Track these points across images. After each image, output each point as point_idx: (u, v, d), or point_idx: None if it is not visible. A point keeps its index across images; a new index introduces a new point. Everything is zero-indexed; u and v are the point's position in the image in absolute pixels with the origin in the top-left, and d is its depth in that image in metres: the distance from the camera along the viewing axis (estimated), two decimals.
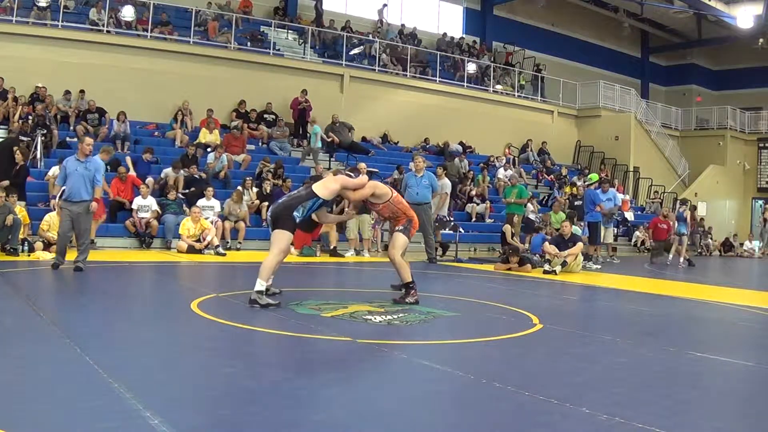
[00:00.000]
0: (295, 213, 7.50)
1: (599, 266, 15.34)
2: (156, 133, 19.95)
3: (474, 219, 20.80)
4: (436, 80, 26.50)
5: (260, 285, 7.28)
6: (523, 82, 29.95)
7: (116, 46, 20.08)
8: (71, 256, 10.64)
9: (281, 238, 7.48)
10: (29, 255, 12.24)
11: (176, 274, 11.32)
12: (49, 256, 12.09)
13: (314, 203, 7.67)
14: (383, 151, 23.43)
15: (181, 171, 16.77)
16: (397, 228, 8.36)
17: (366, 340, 5.91)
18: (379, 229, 16.53)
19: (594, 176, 17.58)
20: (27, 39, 18.75)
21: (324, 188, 7.73)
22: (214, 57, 21.64)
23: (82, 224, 10.60)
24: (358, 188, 8.07)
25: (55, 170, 15.50)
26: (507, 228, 17.42)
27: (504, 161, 24.94)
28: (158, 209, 15.26)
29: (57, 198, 11.12)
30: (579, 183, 22.63)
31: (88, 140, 10.86)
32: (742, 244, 26.95)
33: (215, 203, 15.77)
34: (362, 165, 16.99)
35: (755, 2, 30.00)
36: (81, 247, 10.55)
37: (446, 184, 17.32)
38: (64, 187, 10.52)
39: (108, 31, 20.26)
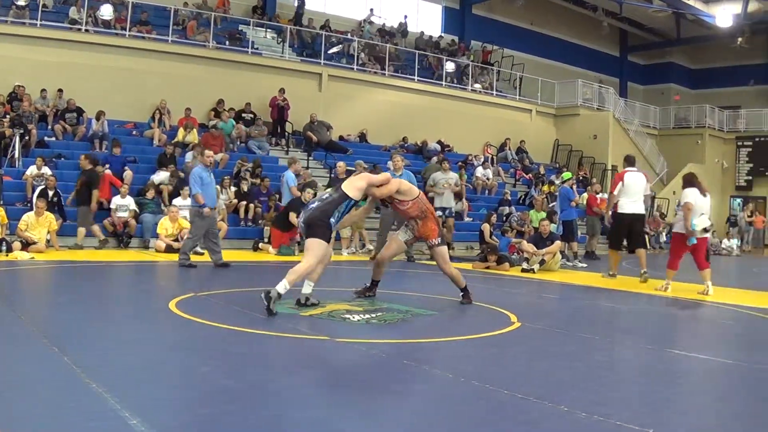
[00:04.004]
0: (331, 219, 7.36)
1: (585, 265, 15.43)
2: (134, 132, 19.80)
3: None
4: (414, 79, 26.49)
5: (283, 287, 6.82)
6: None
7: (95, 44, 19.91)
8: (174, 256, 11.90)
9: (318, 246, 7.22)
10: (7, 255, 12.12)
11: (154, 273, 11.26)
12: (27, 256, 11.99)
13: (347, 205, 7.54)
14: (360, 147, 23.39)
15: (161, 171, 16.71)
16: (432, 243, 8.23)
17: (344, 339, 5.92)
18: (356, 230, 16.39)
19: (567, 174, 17.72)
20: (5, 38, 18.51)
21: (353, 188, 7.57)
22: (192, 56, 21.50)
23: (215, 226, 12.14)
24: (383, 184, 7.98)
25: (32, 169, 15.36)
26: (485, 227, 17.43)
27: (482, 160, 24.98)
28: (136, 209, 15.18)
29: (198, 204, 11.75)
30: (557, 182, 22.68)
31: (209, 152, 12.24)
32: (720, 242, 27.13)
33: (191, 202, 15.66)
34: (341, 164, 16.98)
35: (734, 1, 30.28)
36: (217, 246, 11.95)
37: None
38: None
39: (87, 30, 20.09)
